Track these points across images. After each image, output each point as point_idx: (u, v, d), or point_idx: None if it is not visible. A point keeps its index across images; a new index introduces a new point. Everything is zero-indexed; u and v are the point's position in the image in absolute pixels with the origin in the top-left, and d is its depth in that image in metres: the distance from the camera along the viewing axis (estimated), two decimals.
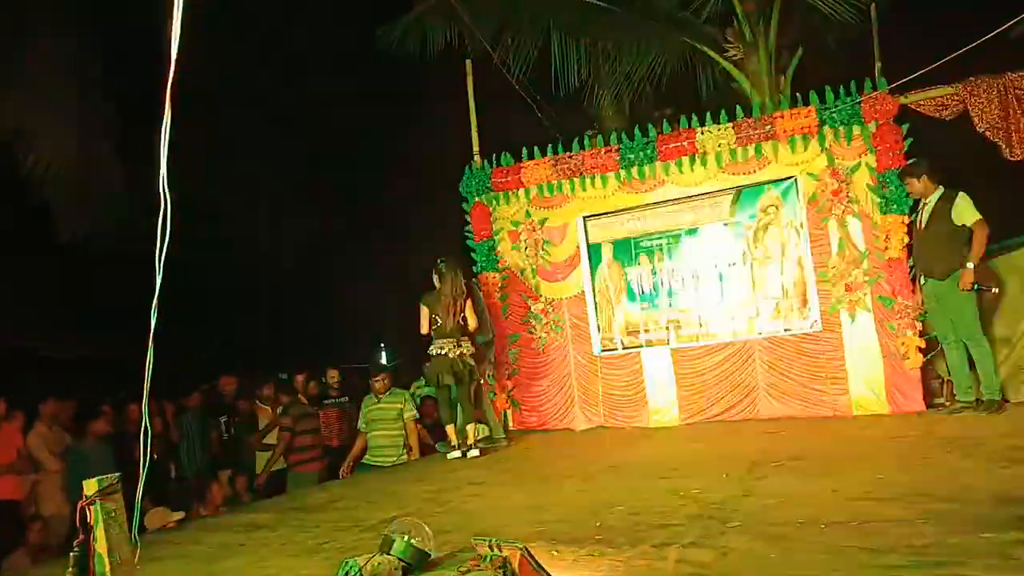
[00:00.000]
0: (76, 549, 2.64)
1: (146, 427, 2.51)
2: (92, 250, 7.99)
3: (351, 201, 12.27)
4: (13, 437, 6.77)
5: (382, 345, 14.77)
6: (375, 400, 6.85)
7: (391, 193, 12.24)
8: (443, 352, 6.11)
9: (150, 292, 2.48)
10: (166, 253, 2.51)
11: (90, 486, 2.63)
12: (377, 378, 6.90)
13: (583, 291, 7.42)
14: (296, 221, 12.05)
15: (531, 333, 7.66)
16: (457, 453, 6.08)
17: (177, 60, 2.49)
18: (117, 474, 2.72)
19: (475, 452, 6.17)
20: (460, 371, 6.08)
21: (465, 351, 6.16)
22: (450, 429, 6.16)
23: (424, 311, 6.17)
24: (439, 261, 6.30)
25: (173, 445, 7.91)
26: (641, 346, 7.22)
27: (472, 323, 6.19)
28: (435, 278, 6.25)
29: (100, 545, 2.61)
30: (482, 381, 6.89)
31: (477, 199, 7.78)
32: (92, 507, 2.61)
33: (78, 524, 2.64)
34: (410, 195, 11.79)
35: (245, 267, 11.71)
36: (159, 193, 2.48)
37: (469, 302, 6.20)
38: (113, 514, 2.62)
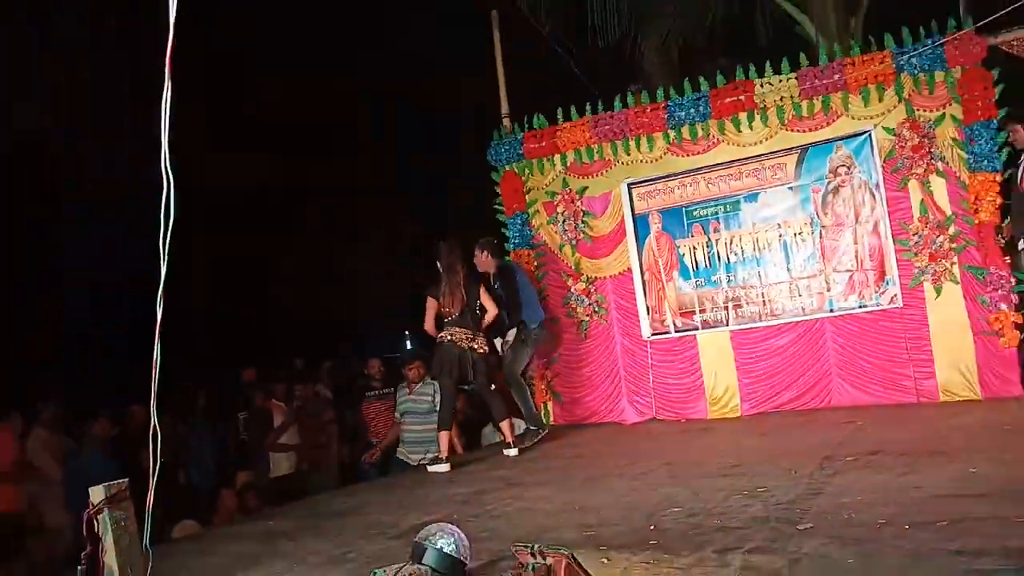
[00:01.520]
0: (83, 563, 2.37)
1: (155, 429, 2.27)
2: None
3: (363, 174, 10.71)
4: (7, 444, 6.13)
5: (407, 334, 13.30)
6: (407, 391, 6.21)
7: (408, 166, 10.72)
8: (453, 339, 5.41)
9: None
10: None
11: (96, 494, 2.41)
12: (411, 366, 6.17)
13: (629, 268, 6.71)
14: (305, 202, 10.45)
15: (571, 316, 6.91)
16: (444, 466, 5.33)
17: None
18: (125, 479, 2.49)
19: (512, 451, 5.50)
20: (467, 365, 5.45)
21: (477, 347, 5.49)
22: (443, 437, 5.43)
23: (431, 304, 5.50)
24: (440, 243, 5.60)
25: (181, 449, 7.36)
26: (697, 328, 6.49)
27: (490, 313, 5.55)
28: (438, 264, 5.58)
29: (110, 557, 2.39)
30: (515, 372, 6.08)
31: (507, 168, 7.01)
32: (100, 516, 2.38)
33: (85, 535, 2.40)
34: (432, 167, 10.27)
35: (250, 252, 10.48)
36: (162, 173, 2.18)
37: (483, 289, 5.62)
38: (123, 523, 2.41)
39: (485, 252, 6.08)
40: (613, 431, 6.36)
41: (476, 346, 5.51)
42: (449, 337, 5.46)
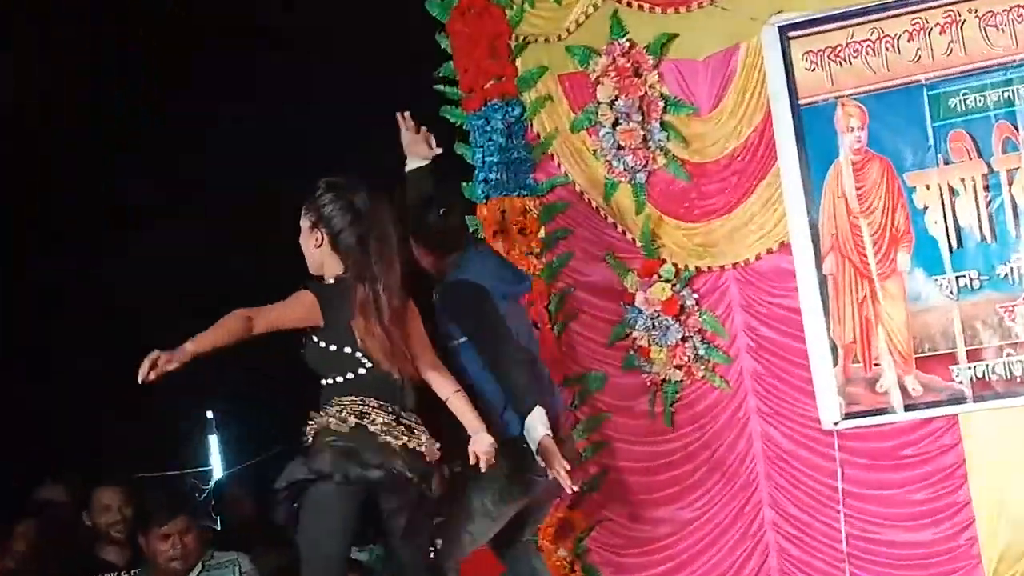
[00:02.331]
0: None
1: None
2: None
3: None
4: None
5: (210, 418, 9.75)
6: None
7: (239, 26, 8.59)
8: (364, 425, 3.39)
9: None
10: None
11: None
12: (165, 529, 4.40)
13: (783, 244, 4.61)
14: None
15: (634, 367, 4.77)
16: None
17: None
18: None
19: None
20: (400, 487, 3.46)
21: (415, 443, 3.47)
22: None
23: (304, 302, 3.43)
24: (321, 188, 3.51)
25: None
26: (962, 399, 4.48)
27: (456, 403, 3.60)
28: (310, 240, 3.56)
29: None
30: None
31: None
32: None
33: None
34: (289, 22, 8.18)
35: None
36: None
37: (417, 318, 3.69)
38: None
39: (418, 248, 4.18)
40: None
41: (415, 442, 3.61)
42: (354, 421, 3.50)
